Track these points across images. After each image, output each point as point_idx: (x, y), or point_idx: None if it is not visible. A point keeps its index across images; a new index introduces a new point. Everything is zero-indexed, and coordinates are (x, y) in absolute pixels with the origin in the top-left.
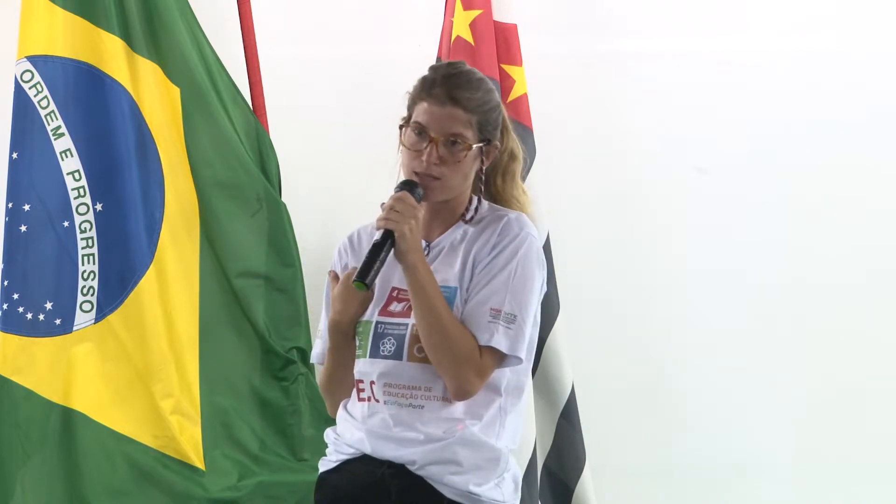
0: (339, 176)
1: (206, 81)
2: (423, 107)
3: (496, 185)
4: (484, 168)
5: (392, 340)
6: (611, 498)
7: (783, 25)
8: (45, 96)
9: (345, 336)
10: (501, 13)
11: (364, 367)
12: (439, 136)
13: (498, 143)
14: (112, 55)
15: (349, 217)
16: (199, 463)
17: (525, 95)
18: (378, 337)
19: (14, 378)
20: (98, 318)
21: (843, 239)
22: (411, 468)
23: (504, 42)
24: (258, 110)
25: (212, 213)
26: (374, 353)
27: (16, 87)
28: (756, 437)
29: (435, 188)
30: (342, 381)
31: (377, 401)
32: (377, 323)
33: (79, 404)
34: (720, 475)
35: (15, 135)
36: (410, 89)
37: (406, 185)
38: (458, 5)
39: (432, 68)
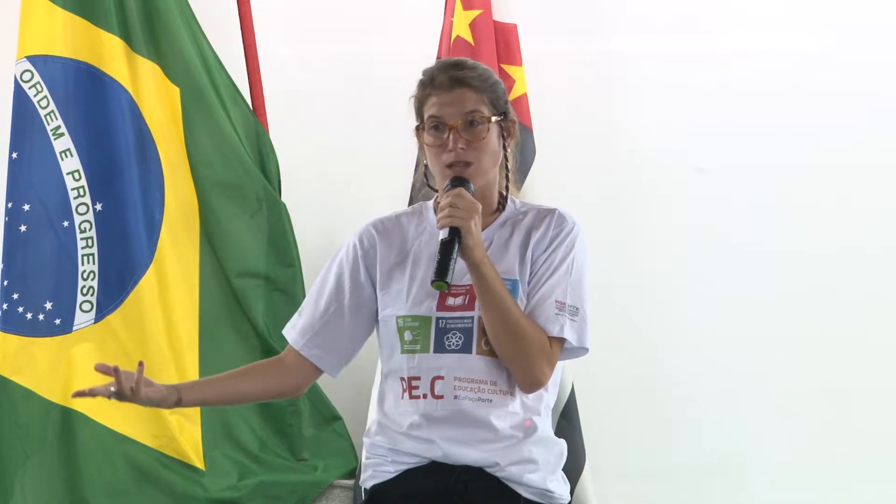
0: (339, 176)
1: (206, 81)
2: (431, 101)
3: None
4: (508, 149)
5: (458, 334)
6: (611, 498)
7: (784, 26)
8: (45, 96)
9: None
10: (501, 13)
11: (425, 363)
12: (457, 119)
13: (514, 118)
14: (112, 55)
15: (349, 217)
16: (199, 463)
17: (525, 95)
18: (441, 332)
19: (14, 378)
20: (98, 318)
21: (844, 239)
22: (490, 470)
23: (504, 42)
24: (258, 110)
25: (212, 213)
26: (440, 348)
27: (16, 87)
28: (756, 437)
29: (471, 174)
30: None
31: (438, 397)
32: (438, 318)
33: (78, 404)
34: (720, 475)
35: (15, 135)
36: (412, 96)
37: (458, 182)
38: (458, 5)
39: (426, 69)
